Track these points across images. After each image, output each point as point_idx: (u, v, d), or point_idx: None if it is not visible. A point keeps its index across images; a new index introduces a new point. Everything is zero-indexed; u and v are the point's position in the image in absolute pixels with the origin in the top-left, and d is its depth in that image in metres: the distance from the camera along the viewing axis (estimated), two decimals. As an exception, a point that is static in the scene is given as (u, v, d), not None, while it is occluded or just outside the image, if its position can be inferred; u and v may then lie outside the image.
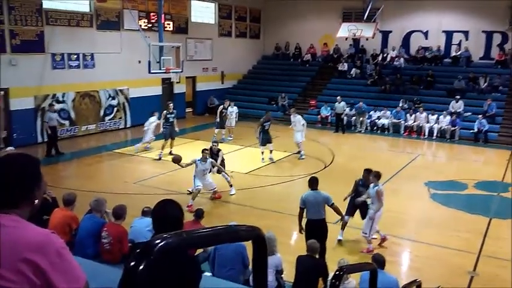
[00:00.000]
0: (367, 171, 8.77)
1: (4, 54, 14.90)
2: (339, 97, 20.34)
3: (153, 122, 15.31)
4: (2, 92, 15.50)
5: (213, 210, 10.29)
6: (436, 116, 19.53)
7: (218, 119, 17.26)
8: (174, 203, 2.75)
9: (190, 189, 10.88)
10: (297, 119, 14.99)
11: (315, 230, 7.37)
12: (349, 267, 4.31)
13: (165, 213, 2.64)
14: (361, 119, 20.42)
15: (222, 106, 17.53)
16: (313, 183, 7.81)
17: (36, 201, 1.89)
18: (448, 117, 19.24)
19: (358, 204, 8.74)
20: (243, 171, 13.46)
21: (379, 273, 5.24)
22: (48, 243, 1.74)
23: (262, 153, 14.59)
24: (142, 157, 14.87)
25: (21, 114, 15.58)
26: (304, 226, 7.61)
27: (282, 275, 6.28)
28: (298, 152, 15.16)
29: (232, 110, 17.81)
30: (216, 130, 17.19)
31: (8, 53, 15.02)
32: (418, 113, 19.85)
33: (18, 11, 15.19)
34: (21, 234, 1.73)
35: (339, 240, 8.72)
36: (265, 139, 14.49)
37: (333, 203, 7.67)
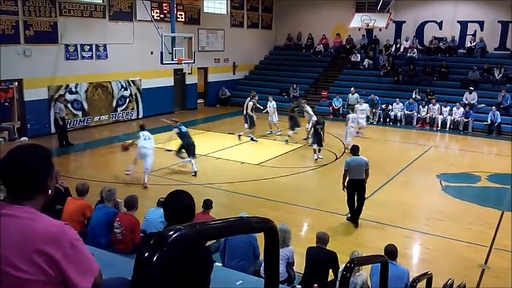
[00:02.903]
0: (321, 115, 15.07)
1: (18, 45, 15.04)
2: (352, 88, 20.23)
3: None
4: (16, 83, 15.67)
5: (224, 201, 10.33)
6: (449, 107, 19.34)
7: (249, 117, 15.98)
8: (185, 193, 2.78)
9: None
10: (272, 104, 16.85)
11: (356, 187, 9.00)
12: (360, 259, 4.31)
13: (177, 204, 2.66)
14: (373, 110, 20.30)
15: (252, 103, 16.10)
16: (355, 150, 9.34)
17: (50, 191, 1.90)
18: (462, 109, 19.04)
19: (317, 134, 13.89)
20: (254, 163, 13.49)
21: (391, 264, 5.24)
22: (61, 234, 1.76)
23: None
24: (154, 148, 14.92)
25: (34, 104, 15.73)
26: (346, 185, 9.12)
27: (293, 267, 6.30)
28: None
29: (271, 105, 16.75)
30: (248, 128, 16.18)
31: (22, 44, 15.15)
32: (431, 105, 19.68)
33: (31, 1, 15.29)
34: (35, 225, 1.75)
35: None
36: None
37: (368, 168, 9.05)
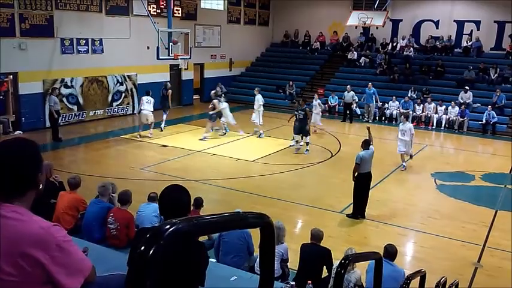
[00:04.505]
0: (304, 101, 15.00)
1: (13, 38, 14.93)
2: (348, 86, 20.24)
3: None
4: (11, 76, 15.58)
5: (219, 197, 10.33)
6: (444, 106, 19.40)
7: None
8: (181, 188, 2.77)
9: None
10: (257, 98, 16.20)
11: (366, 179, 9.24)
12: (355, 256, 4.32)
13: (173, 199, 2.65)
14: (369, 108, 20.29)
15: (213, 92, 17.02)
16: (367, 143, 9.37)
17: (41, 186, 1.84)
18: (457, 108, 19.11)
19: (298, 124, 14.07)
20: (249, 159, 13.48)
21: (388, 264, 5.25)
22: (48, 237, 1.71)
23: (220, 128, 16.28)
24: (149, 143, 14.92)
25: (29, 98, 15.64)
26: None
27: (287, 264, 6.31)
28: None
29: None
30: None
31: (17, 37, 15.04)
32: (426, 103, 19.74)
33: (27, -6, 15.18)
34: (22, 227, 1.70)
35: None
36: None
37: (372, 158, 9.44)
